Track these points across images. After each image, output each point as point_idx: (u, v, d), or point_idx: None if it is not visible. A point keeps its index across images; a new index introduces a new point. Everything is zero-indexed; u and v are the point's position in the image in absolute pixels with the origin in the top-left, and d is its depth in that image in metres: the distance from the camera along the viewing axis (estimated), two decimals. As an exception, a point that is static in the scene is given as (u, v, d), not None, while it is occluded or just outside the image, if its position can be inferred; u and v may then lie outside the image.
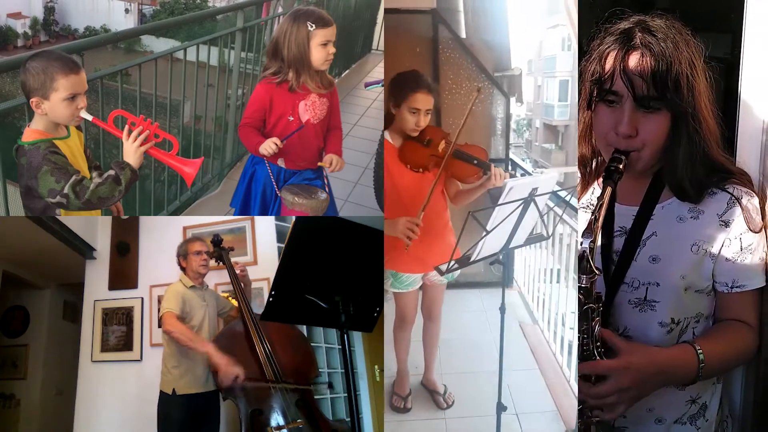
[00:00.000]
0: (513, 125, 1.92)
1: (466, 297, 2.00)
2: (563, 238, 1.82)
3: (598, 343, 1.33)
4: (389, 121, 1.80)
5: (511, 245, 1.72)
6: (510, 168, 1.92)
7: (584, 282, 1.30)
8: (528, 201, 1.63)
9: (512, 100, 1.89)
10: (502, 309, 1.81)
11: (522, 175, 1.90)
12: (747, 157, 1.55)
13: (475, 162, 1.75)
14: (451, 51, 1.81)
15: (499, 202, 1.59)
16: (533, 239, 1.77)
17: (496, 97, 1.87)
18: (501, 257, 1.76)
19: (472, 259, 1.67)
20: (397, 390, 1.95)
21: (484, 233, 1.60)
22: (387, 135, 1.82)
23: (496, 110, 1.89)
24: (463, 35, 1.81)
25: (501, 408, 1.79)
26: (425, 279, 1.91)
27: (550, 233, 1.73)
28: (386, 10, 1.69)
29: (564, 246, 1.84)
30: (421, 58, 1.82)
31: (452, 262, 1.69)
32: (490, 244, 1.66)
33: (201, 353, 2.29)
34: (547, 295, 1.98)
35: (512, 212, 1.62)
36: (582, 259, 1.29)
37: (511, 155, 1.95)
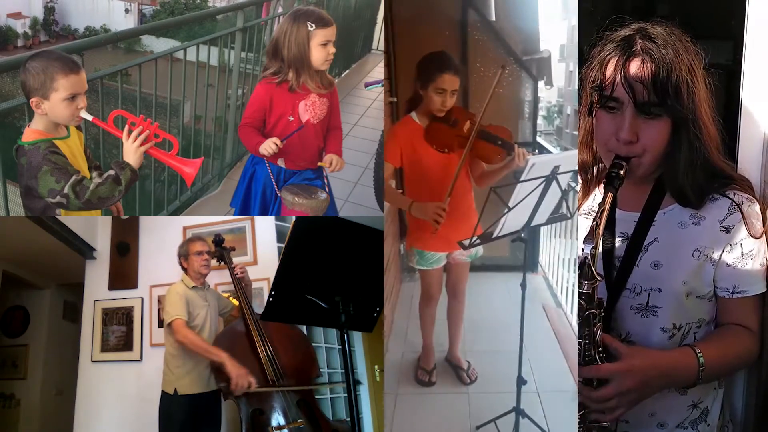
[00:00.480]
0: (543, 112, 1.94)
1: (492, 280, 2.06)
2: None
3: (600, 349, 1.33)
4: (416, 102, 1.82)
5: (533, 223, 1.75)
6: (537, 152, 1.94)
7: (586, 288, 1.30)
8: (550, 179, 1.64)
9: (541, 84, 1.89)
10: (523, 285, 1.85)
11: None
12: (748, 163, 1.55)
13: (499, 143, 1.77)
14: (480, 33, 1.82)
15: (521, 179, 1.60)
16: (555, 218, 1.78)
17: (524, 80, 1.88)
18: (523, 235, 1.77)
19: (494, 235, 1.69)
20: (423, 364, 1.98)
21: (506, 209, 1.61)
22: (414, 115, 1.84)
23: (524, 93, 1.91)
24: (493, 18, 1.82)
25: (521, 381, 1.82)
26: (450, 258, 1.94)
27: (572, 213, 1.74)
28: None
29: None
30: (450, 41, 1.84)
31: (474, 238, 1.71)
32: (512, 221, 1.69)
33: (216, 362, 2.26)
34: (570, 282, 2.01)
35: (534, 189, 1.63)
36: (583, 265, 1.29)
37: (542, 142, 1.96)
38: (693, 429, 1.51)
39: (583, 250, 1.29)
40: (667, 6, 2.13)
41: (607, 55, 1.38)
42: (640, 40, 1.35)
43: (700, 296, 1.45)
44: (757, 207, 1.44)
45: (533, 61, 1.87)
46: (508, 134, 1.80)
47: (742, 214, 1.41)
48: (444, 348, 2.04)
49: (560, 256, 2.13)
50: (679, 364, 1.38)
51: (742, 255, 1.42)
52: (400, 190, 1.92)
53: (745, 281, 1.43)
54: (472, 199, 1.90)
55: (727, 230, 1.41)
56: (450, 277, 1.99)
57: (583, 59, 1.46)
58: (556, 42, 1.85)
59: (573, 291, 1.95)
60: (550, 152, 1.95)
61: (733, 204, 1.42)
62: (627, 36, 1.38)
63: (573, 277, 1.95)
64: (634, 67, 1.33)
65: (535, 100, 1.93)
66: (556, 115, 1.96)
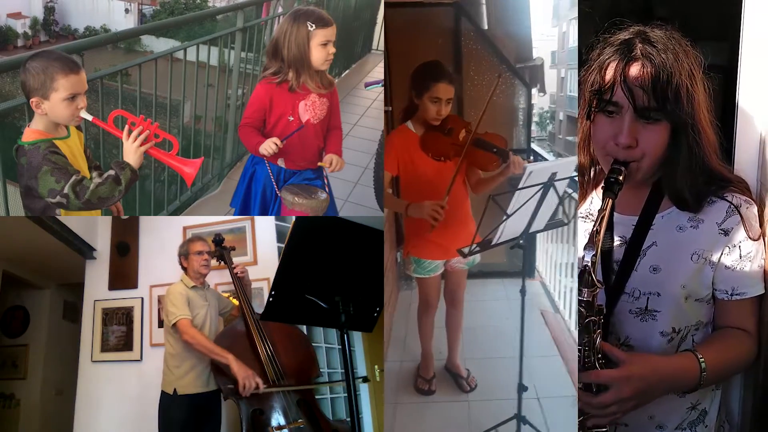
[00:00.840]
0: (536, 118, 1.95)
1: (489, 286, 2.06)
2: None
3: (599, 355, 1.33)
4: (411, 111, 1.83)
5: (532, 230, 1.75)
6: (532, 158, 1.95)
7: (586, 295, 1.30)
8: (547, 185, 1.65)
9: (534, 91, 1.91)
10: (523, 291, 1.85)
11: (542, 164, 1.92)
12: (745, 164, 1.54)
13: (495, 150, 1.78)
14: (473, 42, 1.83)
15: (519, 186, 1.61)
16: (553, 224, 1.79)
17: (518, 87, 1.90)
18: (522, 242, 1.78)
19: (493, 243, 1.70)
20: (422, 373, 1.98)
21: (505, 217, 1.63)
22: (409, 124, 1.85)
23: (518, 100, 1.92)
24: (485, 27, 1.83)
25: (522, 388, 1.83)
26: (447, 265, 1.94)
27: (570, 219, 1.75)
28: (405, 4, 1.72)
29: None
30: (443, 50, 1.85)
31: (474, 245, 1.72)
32: (510, 228, 1.70)
33: (222, 363, 2.26)
34: (568, 288, 2.02)
35: (532, 196, 1.64)
36: (584, 272, 1.29)
37: (535, 148, 1.97)
38: (691, 430, 1.51)
39: (583, 258, 1.29)
40: (664, 8, 2.13)
41: (607, 58, 1.37)
42: (639, 44, 1.34)
43: (698, 299, 1.45)
44: (755, 209, 1.44)
45: (526, 69, 1.89)
46: (502, 142, 1.81)
47: (740, 216, 1.41)
48: (443, 356, 2.04)
49: (557, 261, 2.13)
50: (681, 370, 1.38)
51: (741, 257, 1.42)
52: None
53: (743, 283, 1.43)
54: (469, 206, 1.91)
55: (726, 233, 1.41)
56: (448, 284, 1.99)
57: (582, 62, 1.45)
58: (547, 48, 1.86)
59: (571, 296, 1.94)
60: (544, 158, 1.97)
61: (732, 206, 1.42)
62: (626, 39, 1.37)
63: (571, 282, 1.95)
64: (634, 71, 1.32)
65: (529, 107, 1.94)
66: (548, 121, 1.97)
